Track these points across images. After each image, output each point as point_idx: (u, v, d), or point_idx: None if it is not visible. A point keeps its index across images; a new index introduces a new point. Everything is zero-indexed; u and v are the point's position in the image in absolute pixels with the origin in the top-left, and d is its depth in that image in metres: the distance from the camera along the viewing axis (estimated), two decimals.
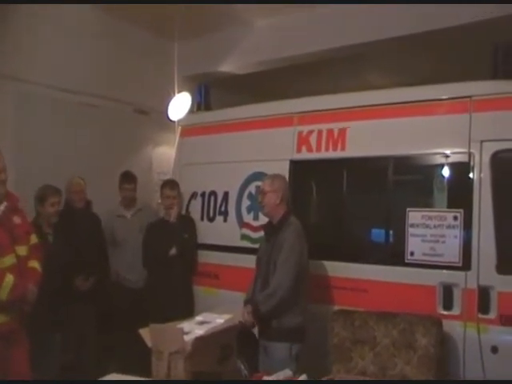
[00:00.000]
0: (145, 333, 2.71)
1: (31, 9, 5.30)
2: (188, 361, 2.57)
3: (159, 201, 5.43)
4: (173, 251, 4.87)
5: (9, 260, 3.54)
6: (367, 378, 3.54)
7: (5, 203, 3.63)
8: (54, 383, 4.32)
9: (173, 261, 4.86)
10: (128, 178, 5.48)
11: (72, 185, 5.00)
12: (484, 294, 3.55)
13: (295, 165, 4.47)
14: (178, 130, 5.72)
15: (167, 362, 2.60)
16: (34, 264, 3.74)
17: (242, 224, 4.74)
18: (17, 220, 3.70)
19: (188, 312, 3.87)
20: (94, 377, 2.77)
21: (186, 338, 2.60)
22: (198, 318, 2.97)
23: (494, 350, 3.47)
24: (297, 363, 3.63)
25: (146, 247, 5.03)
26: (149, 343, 2.68)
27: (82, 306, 4.77)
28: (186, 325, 2.81)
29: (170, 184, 5.12)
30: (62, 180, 4.98)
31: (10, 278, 3.48)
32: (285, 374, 2.87)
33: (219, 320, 2.90)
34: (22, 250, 3.66)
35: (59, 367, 4.48)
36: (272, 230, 3.96)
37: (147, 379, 2.68)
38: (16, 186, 4.41)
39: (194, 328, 2.77)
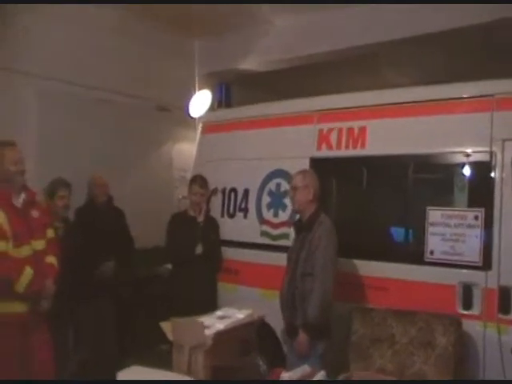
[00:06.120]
0: (166, 326, 2.75)
1: (53, 8, 5.36)
2: (208, 355, 2.61)
3: (180, 196, 5.40)
4: (199, 250, 4.82)
5: (25, 251, 3.59)
6: (385, 376, 3.53)
7: (23, 195, 3.71)
8: (60, 383, 4.35)
9: (198, 259, 4.82)
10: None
11: (96, 178, 5.06)
12: (504, 294, 3.52)
13: (315, 162, 4.46)
14: (199, 126, 5.75)
15: (188, 356, 2.64)
16: (52, 260, 3.78)
17: (262, 221, 4.74)
18: (34, 214, 3.76)
19: (211, 308, 3.86)
20: (112, 372, 2.77)
21: (207, 332, 2.64)
22: (219, 313, 3.01)
23: None
24: (321, 360, 3.63)
25: (171, 242, 4.98)
26: (170, 337, 2.72)
27: (100, 302, 4.82)
28: (206, 319, 2.85)
29: (200, 181, 5.01)
30: (82, 176, 5.05)
31: (29, 272, 3.53)
32: (303, 370, 2.89)
33: (239, 315, 2.94)
34: (38, 245, 3.70)
35: (75, 364, 4.52)
36: (301, 227, 3.93)
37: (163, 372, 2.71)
38: (38, 180, 4.51)
39: (214, 322, 2.81)
